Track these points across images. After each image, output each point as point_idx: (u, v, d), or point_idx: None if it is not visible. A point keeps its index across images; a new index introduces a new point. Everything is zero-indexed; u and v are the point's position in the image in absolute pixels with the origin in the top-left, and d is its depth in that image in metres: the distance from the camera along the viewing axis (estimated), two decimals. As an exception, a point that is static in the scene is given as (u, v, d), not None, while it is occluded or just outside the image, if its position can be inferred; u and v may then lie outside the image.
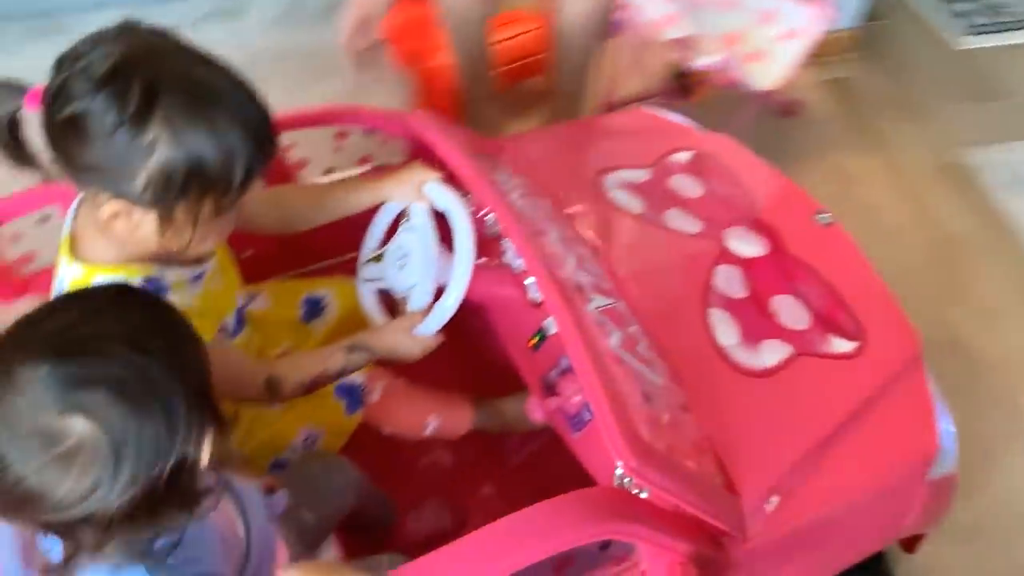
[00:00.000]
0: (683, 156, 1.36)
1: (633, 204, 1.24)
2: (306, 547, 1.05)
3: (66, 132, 0.76)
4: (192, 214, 0.81)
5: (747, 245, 1.21)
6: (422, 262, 1.08)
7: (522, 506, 0.78)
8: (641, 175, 1.31)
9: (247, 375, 0.96)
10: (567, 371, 1.04)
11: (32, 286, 1.14)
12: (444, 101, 1.79)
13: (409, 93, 1.87)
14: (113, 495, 0.59)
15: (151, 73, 0.75)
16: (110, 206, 0.80)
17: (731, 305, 1.13)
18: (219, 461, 0.67)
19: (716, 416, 1.01)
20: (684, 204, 1.27)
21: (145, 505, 0.62)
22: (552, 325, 1.06)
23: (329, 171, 1.28)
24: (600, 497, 0.88)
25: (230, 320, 1.02)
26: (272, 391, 0.96)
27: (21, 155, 0.81)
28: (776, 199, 1.32)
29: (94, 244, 0.86)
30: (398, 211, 1.13)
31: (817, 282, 1.18)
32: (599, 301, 1.02)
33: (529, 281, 1.09)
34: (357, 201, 1.11)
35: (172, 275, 0.89)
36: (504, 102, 1.89)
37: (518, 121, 1.89)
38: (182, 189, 0.78)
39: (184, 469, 0.63)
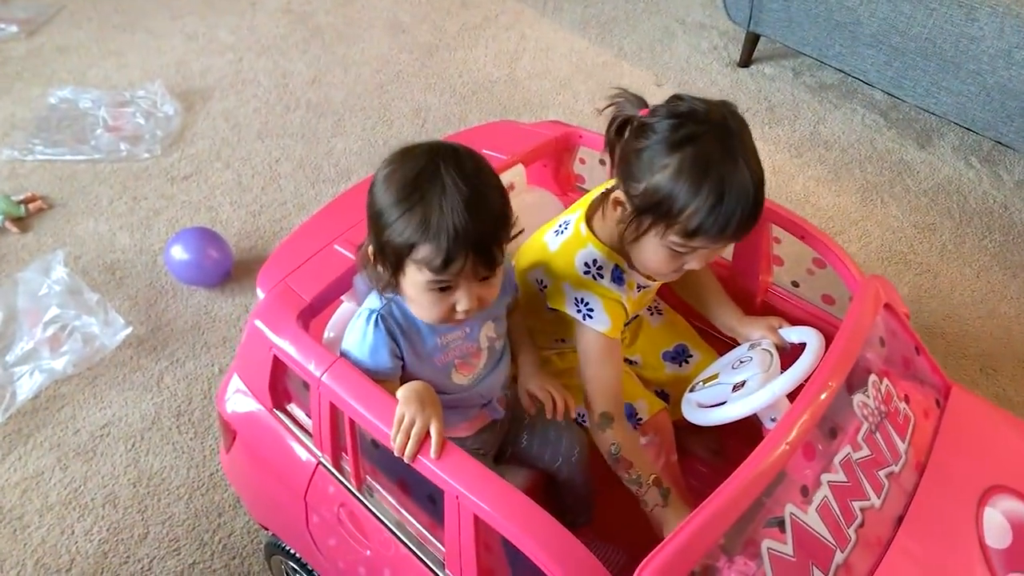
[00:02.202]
0: None
1: (997, 536, 1.04)
2: (498, 455, 1.27)
3: (633, 133, 1.06)
4: (641, 229, 1.05)
5: None
6: (759, 364, 1.12)
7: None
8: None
9: (602, 385, 1.14)
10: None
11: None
12: None
13: None
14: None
15: (689, 132, 0.99)
16: (617, 194, 1.08)
17: None
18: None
19: None
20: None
21: (392, 262, 0.98)
22: (787, 519, 1.01)
23: (794, 284, 1.35)
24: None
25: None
26: (597, 421, 1.13)
27: (612, 145, 1.11)
28: None
29: (600, 224, 1.16)
30: (745, 350, 1.18)
31: None
32: (807, 516, 0.94)
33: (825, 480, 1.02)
34: (724, 320, 1.25)
35: (633, 276, 1.16)
36: None
37: None
38: (649, 208, 1.03)
39: (405, 264, 0.96)
